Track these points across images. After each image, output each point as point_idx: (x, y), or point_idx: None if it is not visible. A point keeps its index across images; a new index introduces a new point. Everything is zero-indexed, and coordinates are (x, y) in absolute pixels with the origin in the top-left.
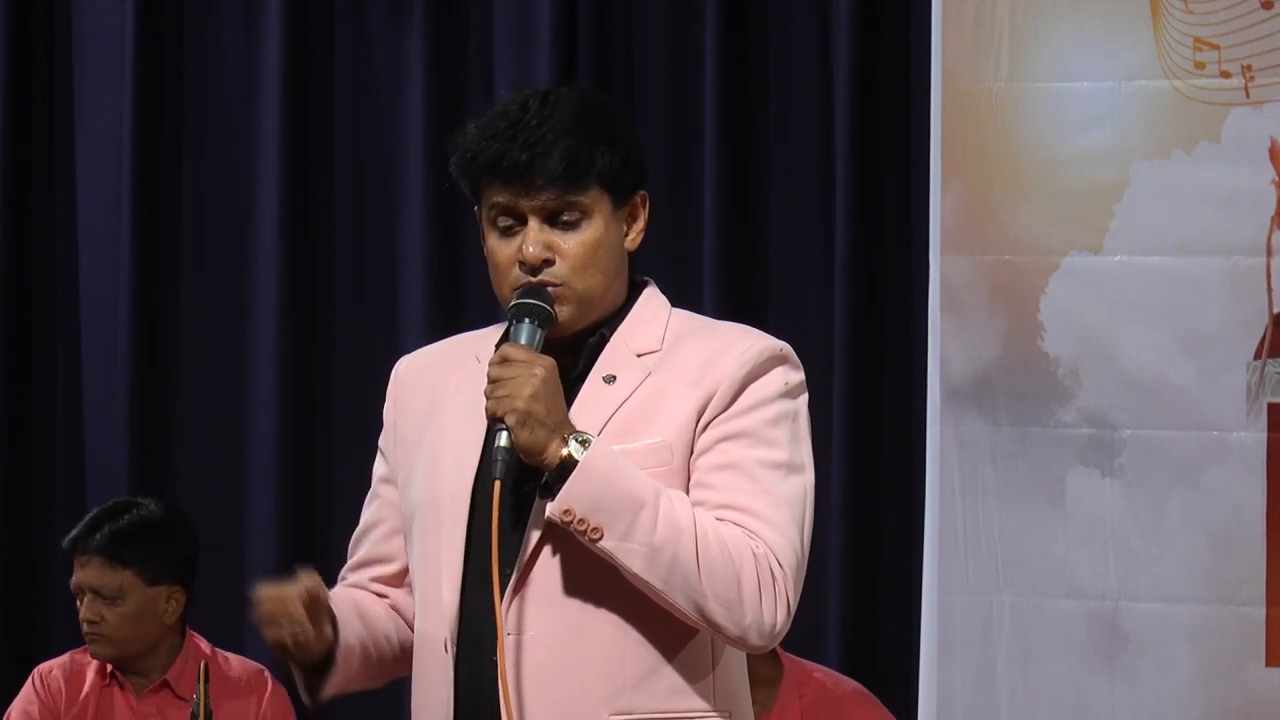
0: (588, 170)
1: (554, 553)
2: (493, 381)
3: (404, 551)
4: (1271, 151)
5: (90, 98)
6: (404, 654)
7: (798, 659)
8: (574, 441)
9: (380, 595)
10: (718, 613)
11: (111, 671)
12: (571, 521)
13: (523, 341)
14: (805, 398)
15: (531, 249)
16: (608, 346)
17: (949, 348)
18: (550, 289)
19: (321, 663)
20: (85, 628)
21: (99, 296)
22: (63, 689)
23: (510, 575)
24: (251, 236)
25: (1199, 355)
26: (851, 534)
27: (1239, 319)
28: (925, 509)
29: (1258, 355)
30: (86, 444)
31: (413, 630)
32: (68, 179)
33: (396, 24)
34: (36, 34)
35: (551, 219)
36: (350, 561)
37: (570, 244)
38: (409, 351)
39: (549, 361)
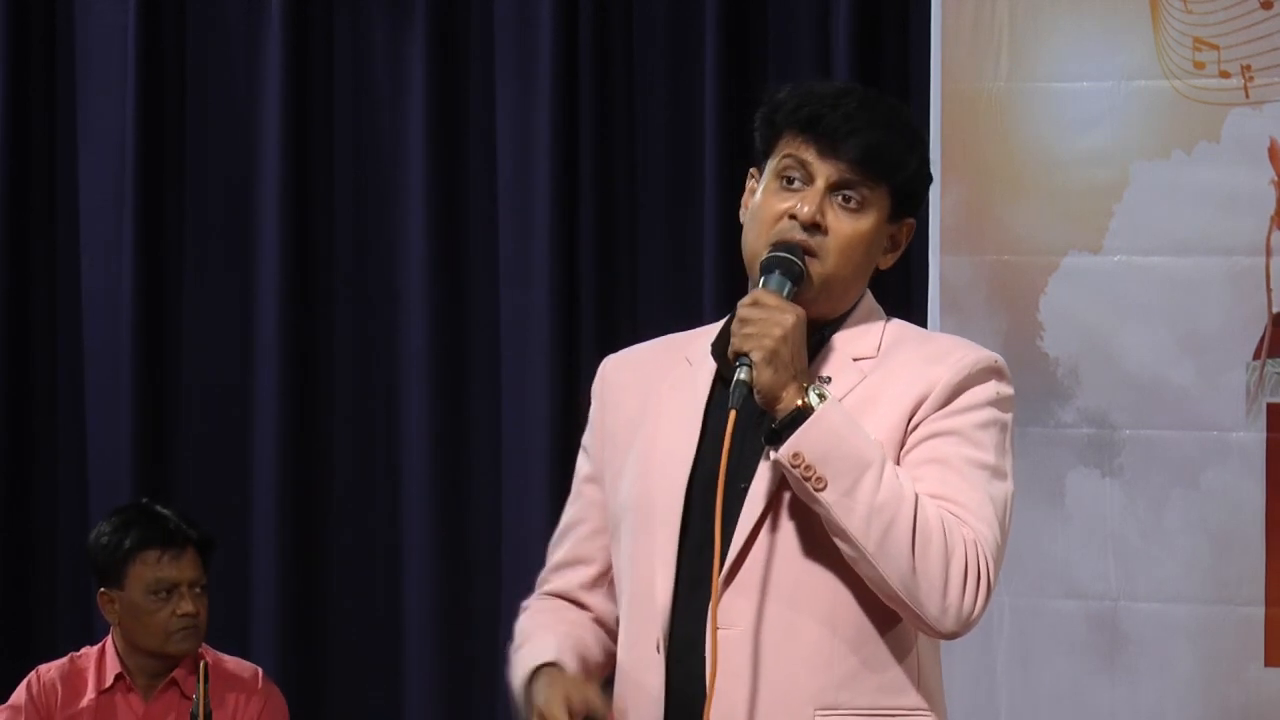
0: (891, 170)
1: (764, 549)
2: (742, 321)
3: (605, 552)
4: (1271, 151)
5: (91, 98)
6: (609, 660)
7: None
8: (813, 392)
9: (582, 606)
10: (922, 589)
11: (119, 675)
12: (799, 467)
13: (773, 289)
14: (1013, 415)
15: (808, 207)
16: (826, 349)
17: None
18: (807, 257)
19: None
20: (180, 623)
21: (100, 297)
22: (58, 691)
23: (724, 564)
24: (252, 236)
25: (1199, 355)
26: None
27: (1239, 319)
28: None
29: (1257, 355)
30: (89, 444)
31: (614, 635)
32: (68, 179)
33: (397, 25)
34: (37, 34)
35: (837, 193)
36: (551, 562)
37: (843, 224)
38: (408, 351)
39: (799, 310)
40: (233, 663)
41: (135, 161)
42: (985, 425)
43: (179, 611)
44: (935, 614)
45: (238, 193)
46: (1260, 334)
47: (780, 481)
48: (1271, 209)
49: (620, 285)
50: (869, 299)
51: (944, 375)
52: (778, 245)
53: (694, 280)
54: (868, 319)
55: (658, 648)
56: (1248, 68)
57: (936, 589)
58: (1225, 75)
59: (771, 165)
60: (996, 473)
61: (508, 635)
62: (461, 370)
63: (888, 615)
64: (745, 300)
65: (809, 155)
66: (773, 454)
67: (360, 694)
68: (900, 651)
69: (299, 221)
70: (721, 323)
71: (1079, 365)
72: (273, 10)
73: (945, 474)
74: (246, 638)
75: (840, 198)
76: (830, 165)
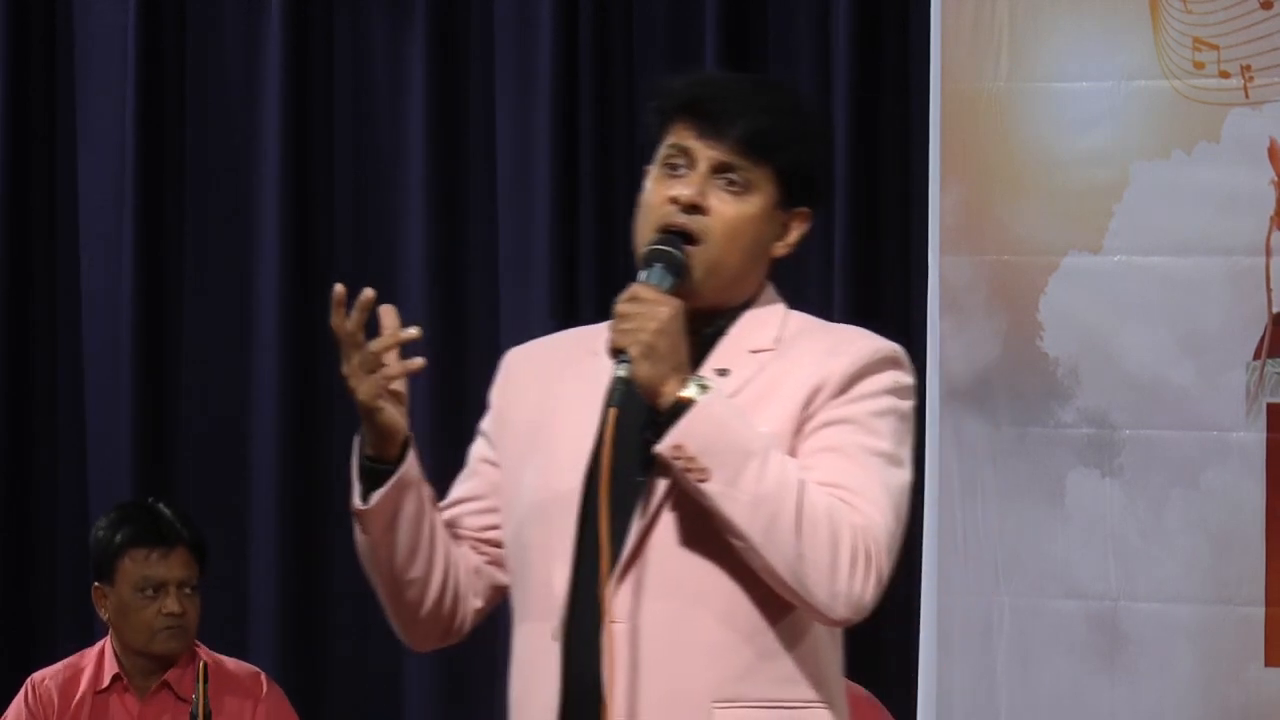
0: (772, 151)
1: (661, 542)
2: (620, 317)
3: (486, 531)
4: (1270, 151)
5: (91, 98)
6: (447, 583)
7: None
8: (694, 384)
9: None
10: (811, 576)
11: (116, 675)
12: (680, 458)
13: (653, 282)
14: (913, 404)
15: (688, 190)
16: (723, 341)
17: (948, 348)
18: (688, 246)
19: (380, 472)
20: (165, 622)
21: (100, 297)
22: (55, 700)
23: (618, 565)
24: (252, 236)
25: (1199, 355)
26: None
27: (1239, 319)
28: (925, 509)
29: (1257, 355)
30: (89, 444)
31: (468, 595)
32: (68, 179)
33: (397, 25)
34: (37, 34)
35: (719, 176)
36: None
37: (726, 206)
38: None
39: (677, 302)
40: (232, 664)
41: (135, 161)
42: (882, 413)
43: (164, 610)
44: (826, 601)
45: (238, 192)
46: (1260, 334)
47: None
48: (1271, 209)
49: (620, 285)
50: (770, 291)
51: (841, 364)
52: (656, 238)
53: None
54: (768, 311)
55: (554, 636)
56: (1248, 68)
57: (825, 576)
58: (1225, 75)
59: (658, 155)
60: (892, 460)
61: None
62: (462, 370)
63: (785, 607)
64: (623, 295)
65: (691, 140)
66: (657, 447)
67: (360, 694)
68: (798, 644)
69: (299, 221)
70: None
71: (1079, 365)
72: (273, 10)
73: (840, 461)
74: (246, 638)
75: (723, 180)
76: (712, 148)
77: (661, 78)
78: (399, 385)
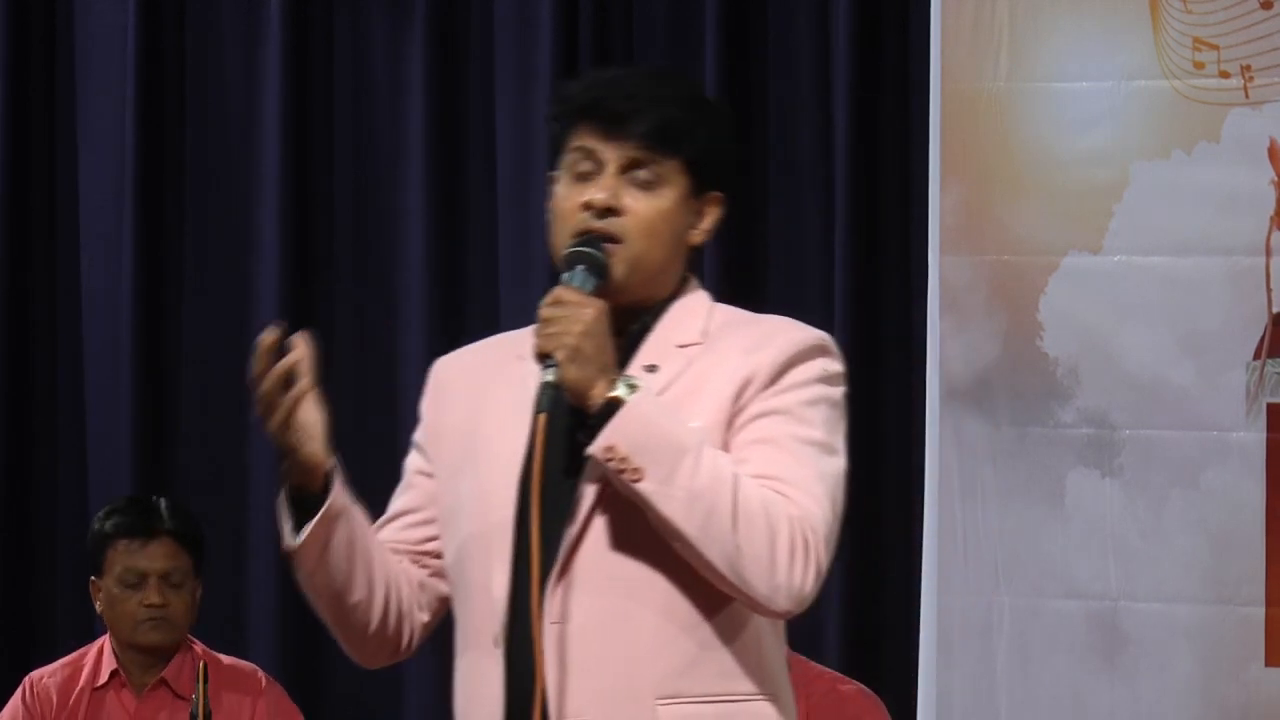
0: (677, 142)
1: (598, 540)
2: (543, 321)
3: (425, 543)
4: (1270, 151)
5: (91, 98)
6: (388, 604)
7: (803, 658)
8: (622, 384)
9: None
10: (749, 569)
11: (114, 671)
12: (613, 459)
13: (575, 285)
14: (844, 390)
15: (602, 193)
16: (650, 337)
17: (948, 348)
18: (608, 245)
19: (309, 500)
20: (146, 614)
21: (100, 297)
22: (53, 698)
23: (554, 565)
24: (253, 236)
25: (1199, 355)
26: (851, 534)
27: (1239, 319)
28: (925, 509)
29: (1257, 355)
30: (89, 444)
31: (412, 610)
32: (68, 179)
33: (397, 25)
34: (37, 34)
35: (628, 174)
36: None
37: (640, 203)
38: (407, 350)
39: (600, 304)
40: (229, 661)
41: (135, 161)
42: (814, 402)
43: (145, 602)
44: (766, 594)
45: (238, 192)
46: (1260, 334)
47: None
48: (1271, 209)
49: None
50: (694, 284)
51: (770, 355)
52: (576, 241)
53: (692, 273)
54: (693, 304)
55: (495, 642)
56: (1248, 68)
57: (764, 569)
58: (1225, 75)
59: (564, 161)
60: (826, 449)
61: None
62: None
63: (725, 601)
64: (546, 300)
65: (595, 142)
66: (589, 449)
67: (360, 694)
68: (740, 637)
69: (299, 221)
70: None
71: (1079, 365)
72: (273, 10)
73: (773, 453)
74: (246, 638)
75: (634, 178)
76: (617, 147)
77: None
78: (312, 417)
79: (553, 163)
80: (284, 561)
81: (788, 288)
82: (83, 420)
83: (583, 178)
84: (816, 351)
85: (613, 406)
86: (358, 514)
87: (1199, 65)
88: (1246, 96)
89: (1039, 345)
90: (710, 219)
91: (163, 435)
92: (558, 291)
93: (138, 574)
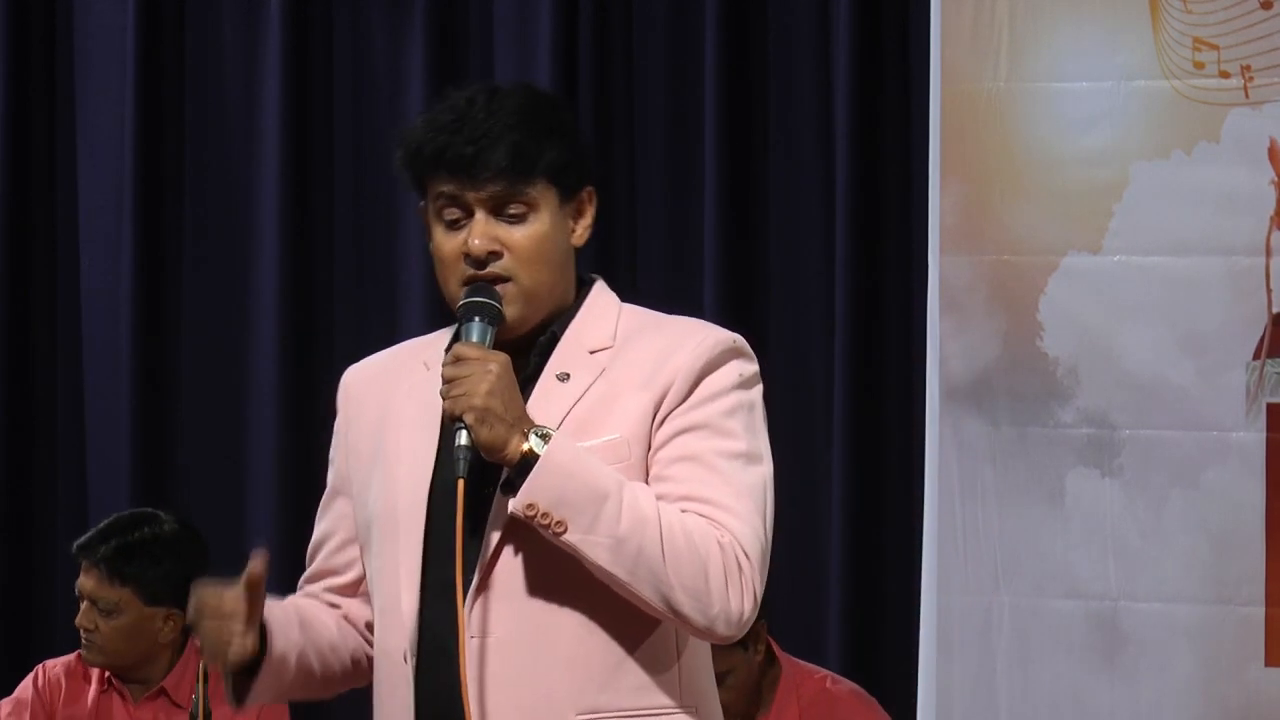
0: (534, 163)
1: (515, 553)
2: (448, 381)
3: (358, 563)
4: (1270, 152)
5: (90, 98)
6: (355, 665)
7: (796, 660)
8: (534, 436)
9: (333, 605)
10: (685, 603)
11: (109, 677)
12: (535, 516)
13: (474, 339)
14: (760, 389)
15: (478, 241)
16: (559, 345)
17: (948, 348)
18: (498, 285)
19: (247, 666)
20: (81, 633)
21: (100, 297)
22: (62, 685)
23: (472, 578)
24: (252, 237)
25: (1198, 355)
26: (851, 534)
27: (1238, 319)
28: (925, 509)
29: (1257, 355)
30: (88, 445)
31: (369, 641)
32: (68, 179)
33: (397, 25)
34: (37, 34)
35: (498, 212)
36: (305, 574)
37: (517, 237)
38: None
39: (503, 357)
40: None
41: (135, 161)
42: (732, 411)
43: (76, 621)
44: (704, 624)
45: (238, 192)
46: (1260, 334)
47: None
48: (1271, 209)
49: (619, 284)
50: (599, 287)
51: (684, 363)
52: (468, 291)
53: (693, 279)
54: (599, 307)
55: (405, 659)
56: (1247, 68)
57: (699, 602)
58: (1225, 75)
59: (429, 209)
60: (750, 459)
61: None
62: None
63: (644, 615)
64: (447, 358)
65: (455, 189)
66: (510, 506)
67: (360, 693)
68: (661, 651)
69: (299, 221)
70: (454, 328)
71: (1079, 365)
72: (272, 10)
73: (697, 471)
74: None
75: (504, 216)
76: (478, 189)
77: (409, 123)
78: (237, 611)
79: (417, 198)
80: (282, 562)
81: (788, 288)
82: (83, 420)
83: (454, 225)
84: (729, 355)
85: (528, 462)
86: (294, 634)
87: (1199, 65)
88: (1246, 96)
89: (1039, 345)
90: (587, 216)
91: (162, 436)
92: (458, 349)
93: (79, 593)
